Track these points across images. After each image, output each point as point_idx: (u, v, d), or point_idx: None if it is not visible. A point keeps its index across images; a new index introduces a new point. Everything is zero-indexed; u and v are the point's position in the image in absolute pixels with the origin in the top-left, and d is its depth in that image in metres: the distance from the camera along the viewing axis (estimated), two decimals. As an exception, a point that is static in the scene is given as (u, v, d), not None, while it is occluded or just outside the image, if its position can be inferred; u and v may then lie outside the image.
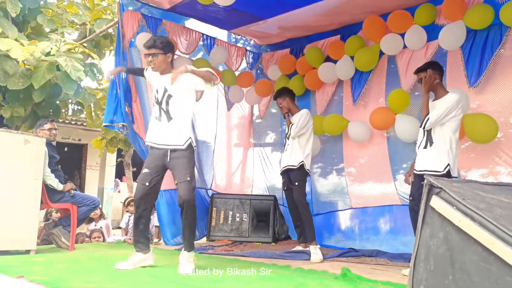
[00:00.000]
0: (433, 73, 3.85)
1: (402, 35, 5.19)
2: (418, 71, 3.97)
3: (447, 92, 3.88)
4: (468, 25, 4.67)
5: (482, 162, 4.71)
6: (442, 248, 1.70)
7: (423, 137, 3.87)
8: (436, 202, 1.76)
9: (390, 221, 5.50)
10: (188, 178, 3.59)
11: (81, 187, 13.25)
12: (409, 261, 3.49)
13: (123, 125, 5.38)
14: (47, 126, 5.02)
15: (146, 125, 5.60)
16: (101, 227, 6.76)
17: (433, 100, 3.92)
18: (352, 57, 5.69)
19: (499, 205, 1.68)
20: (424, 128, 3.79)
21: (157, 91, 3.83)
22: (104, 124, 5.54)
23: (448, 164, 3.68)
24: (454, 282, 1.62)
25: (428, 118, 3.73)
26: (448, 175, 3.68)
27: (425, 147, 3.83)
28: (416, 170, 3.88)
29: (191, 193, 3.57)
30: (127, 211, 6.53)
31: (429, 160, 3.77)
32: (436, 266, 1.70)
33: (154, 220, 6.47)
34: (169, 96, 3.73)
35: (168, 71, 3.81)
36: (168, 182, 5.57)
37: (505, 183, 3.41)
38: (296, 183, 4.86)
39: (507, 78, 4.55)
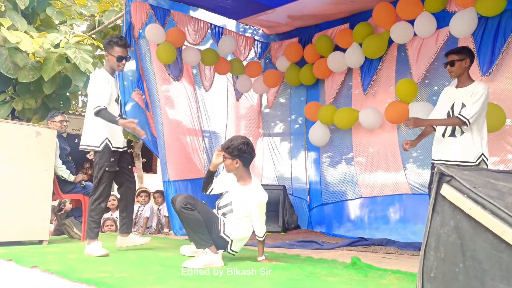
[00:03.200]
0: (469, 61, 3.72)
1: (412, 22, 5.13)
2: (452, 52, 3.76)
3: (473, 80, 3.74)
4: (479, 12, 4.59)
5: (493, 151, 4.65)
6: (452, 236, 1.69)
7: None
8: (446, 190, 1.75)
9: (399, 210, 5.49)
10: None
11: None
12: (419, 250, 3.50)
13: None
14: (58, 118, 5.06)
15: (156, 117, 5.64)
16: (116, 217, 6.81)
17: (457, 87, 3.80)
18: (360, 45, 5.64)
19: (511, 193, 1.67)
20: (469, 123, 3.54)
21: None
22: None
23: (482, 154, 3.57)
24: (465, 270, 1.62)
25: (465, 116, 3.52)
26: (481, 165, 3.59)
27: (453, 135, 3.69)
28: (444, 160, 3.69)
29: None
30: (137, 202, 6.57)
31: (459, 151, 3.63)
32: (446, 254, 1.70)
33: (164, 210, 6.52)
34: None
35: None
36: (177, 173, 5.63)
37: (516, 171, 3.38)
38: None
39: (519, 65, 4.49)
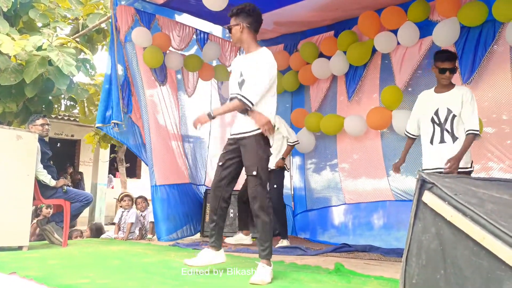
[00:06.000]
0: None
1: (395, 31, 5.20)
2: (454, 59, 3.61)
3: (454, 84, 3.67)
4: (462, 21, 4.69)
5: (474, 158, 4.65)
6: (434, 243, 1.71)
7: (437, 132, 3.64)
8: (428, 197, 1.77)
9: (383, 216, 5.53)
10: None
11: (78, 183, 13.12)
12: (402, 256, 3.51)
13: (114, 123, 5.39)
14: (40, 121, 4.98)
15: (144, 121, 5.61)
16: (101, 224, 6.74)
17: (437, 91, 3.70)
18: (345, 52, 5.69)
19: (490, 200, 1.69)
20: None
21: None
22: (96, 125, 5.55)
23: (472, 161, 3.59)
24: (446, 277, 1.63)
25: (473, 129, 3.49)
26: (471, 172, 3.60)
27: (442, 141, 3.61)
28: (442, 168, 3.53)
29: None
30: (121, 206, 6.50)
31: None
32: (428, 261, 1.71)
33: (150, 216, 6.46)
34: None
35: None
36: (163, 177, 5.60)
37: (496, 178, 3.43)
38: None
39: (499, 74, 4.58)
